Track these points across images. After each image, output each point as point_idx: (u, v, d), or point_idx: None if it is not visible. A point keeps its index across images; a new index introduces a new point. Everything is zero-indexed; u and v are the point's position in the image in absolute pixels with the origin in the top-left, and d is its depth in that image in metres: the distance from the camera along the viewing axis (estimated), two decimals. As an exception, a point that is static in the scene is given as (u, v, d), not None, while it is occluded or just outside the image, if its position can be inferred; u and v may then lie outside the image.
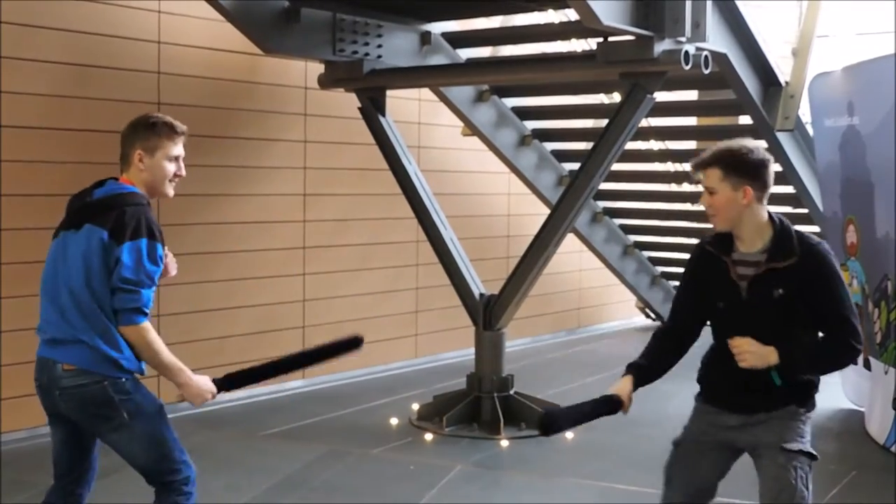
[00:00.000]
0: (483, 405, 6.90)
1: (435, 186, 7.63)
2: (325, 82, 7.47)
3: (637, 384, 3.54)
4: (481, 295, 7.08)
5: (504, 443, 6.53)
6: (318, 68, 7.49)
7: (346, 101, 7.64)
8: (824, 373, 3.50)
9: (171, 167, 3.63)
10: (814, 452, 3.40)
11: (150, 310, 3.48)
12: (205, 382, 3.64)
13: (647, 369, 3.59)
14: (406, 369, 8.82)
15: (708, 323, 3.60)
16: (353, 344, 3.87)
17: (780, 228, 3.38)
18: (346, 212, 8.39)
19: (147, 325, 3.46)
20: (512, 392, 6.99)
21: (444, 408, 6.94)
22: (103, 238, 3.38)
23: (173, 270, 3.77)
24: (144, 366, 3.59)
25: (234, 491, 5.43)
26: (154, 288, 3.48)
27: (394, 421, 6.99)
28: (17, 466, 5.91)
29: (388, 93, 7.48)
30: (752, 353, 3.30)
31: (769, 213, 3.41)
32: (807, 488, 3.32)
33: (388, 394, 7.82)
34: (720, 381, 3.51)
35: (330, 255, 8.30)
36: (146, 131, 3.62)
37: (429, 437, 6.64)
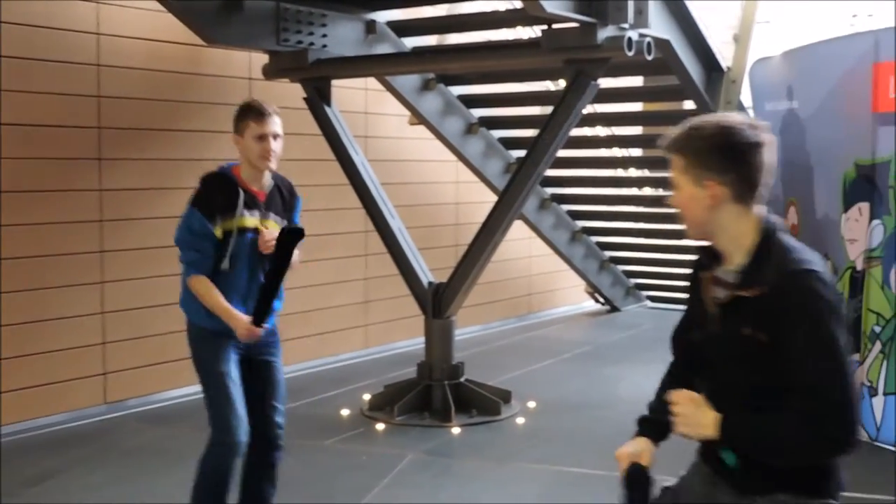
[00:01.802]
0: (434, 393, 6.92)
1: (382, 176, 7.62)
2: (270, 73, 7.42)
3: (656, 441, 2.73)
4: (430, 283, 7.09)
5: (455, 430, 6.56)
6: (262, 58, 7.44)
7: (292, 92, 7.59)
8: (789, 463, 2.38)
9: (257, 147, 4.17)
10: None
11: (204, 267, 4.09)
12: (247, 321, 4.10)
13: (659, 424, 2.69)
14: (357, 360, 8.81)
15: None
16: (295, 235, 4.16)
17: (759, 241, 2.41)
18: (293, 203, 8.34)
19: (196, 277, 4.09)
20: (462, 379, 7.02)
21: (395, 397, 6.95)
22: None
23: (264, 246, 4.18)
24: None
25: (187, 488, 5.38)
26: (200, 247, 4.08)
27: (345, 412, 6.99)
28: (19, 457, 5.92)
29: (334, 82, 7.44)
30: (687, 416, 2.43)
31: (762, 219, 2.45)
32: None
33: (339, 385, 7.81)
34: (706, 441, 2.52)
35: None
36: (235, 116, 4.26)
37: (380, 426, 6.65)
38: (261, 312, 4.13)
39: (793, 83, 6.79)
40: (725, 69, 7.73)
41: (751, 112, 7.93)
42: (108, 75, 6.93)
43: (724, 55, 7.74)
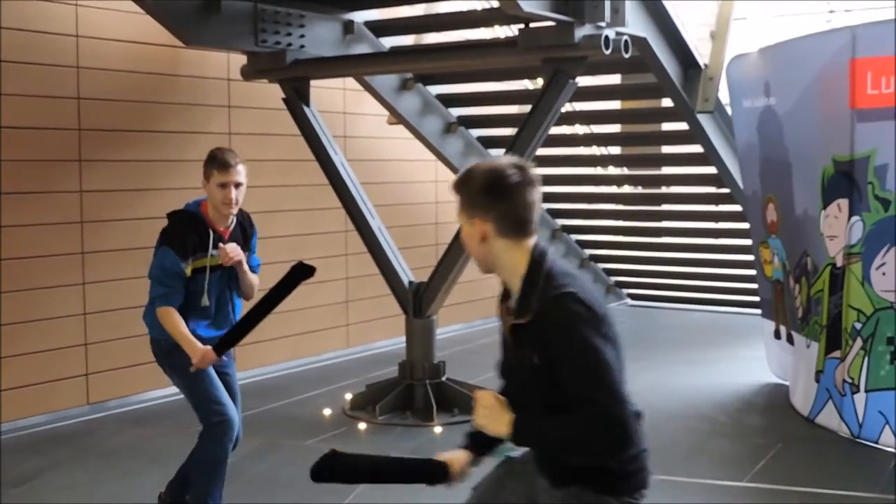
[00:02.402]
0: (415, 393, 6.93)
1: (362, 176, 7.62)
2: (248, 73, 7.41)
3: (478, 454, 2.99)
4: (410, 283, 7.10)
5: (437, 429, 6.57)
6: (240, 59, 7.43)
7: (270, 92, 7.59)
8: (571, 461, 2.68)
9: (219, 193, 4.39)
10: None
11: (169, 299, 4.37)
12: (207, 350, 4.34)
13: (482, 438, 2.88)
14: (338, 359, 8.81)
15: None
16: (304, 272, 4.48)
17: (528, 270, 2.65)
18: (273, 203, 8.33)
19: (164, 309, 4.37)
20: (444, 378, 7.03)
21: (377, 396, 6.96)
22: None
23: (226, 260, 4.46)
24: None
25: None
26: (171, 284, 4.37)
27: (327, 411, 6.99)
28: (16, 455, 5.94)
29: (313, 83, 7.44)
30: (488, 411, 2.69)
31: (532, 250, 2.68)
32: None
33: (321, 384, 7.81)
34: None
35: (258, 247, 8.22)
36: (204, 163, 4.45)
37: (362, 426, 6.65)
38: (230, 341, 4.42)
39: (770, 79, 6.83)
40: (703, 66, 7.77)
41: (728, 109, 7.99)
42: (87, 77, 6.91)
43: (702, 52, 7.78)
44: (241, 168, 4.42)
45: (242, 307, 4.69)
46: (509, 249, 2.67)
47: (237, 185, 4.41)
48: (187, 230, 4.40)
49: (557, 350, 2.52)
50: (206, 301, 4.47)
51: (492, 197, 2.64)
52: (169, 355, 4.46)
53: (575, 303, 2.53)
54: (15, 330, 6.57)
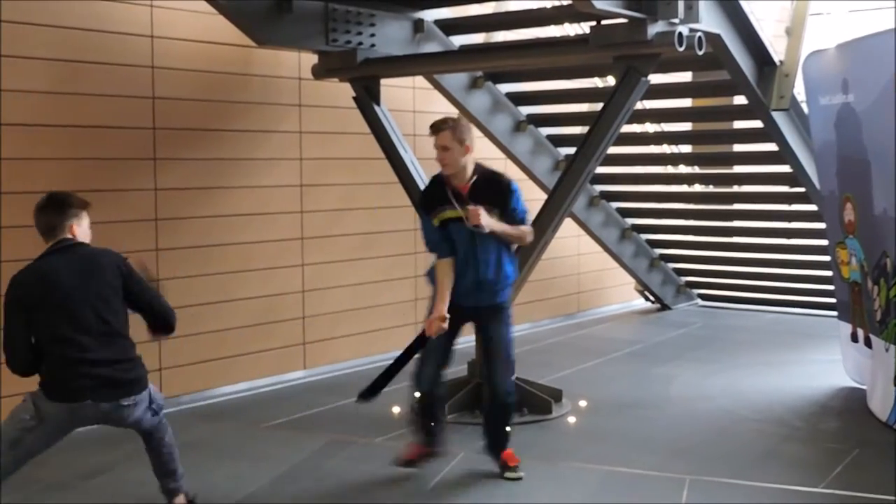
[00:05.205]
0: (484, 392, 6.89)
1: (431, 174, 7.61)
2: (319, 72, 7.46)
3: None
4: (480, 282, 7.08)
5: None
6: (311, 58, 7.48)
7: (341, 91, 7.63)
8: None
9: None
10: None
11: None
12: (433, 319, 5.28)
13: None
14: (407, 357, 8.82)
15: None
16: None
17: None
18: (342, 201, 8.39)
19: (437, 261, 5.43)
20: (513, 378, 6.98)
21: (447, 395, 6.93)
22: None
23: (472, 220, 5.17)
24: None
25: (238, 482, 5.45)
26: (429, 237, 5.45)
27: (396, 409, 7.00)
28: (73, 451, 5.94)
29: (383, 81, 7.46)
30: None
31: None
32: None
33: (390, 382, 7.81)
34: None
35: (328, 245, 8.30)
36: None
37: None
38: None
39: (848, 76, 6.69)
40: (778, 63, 7.63)
41: (805, 107, 7.83)
42: (162, 77, 7.02)
43: (777, 49, 7.64)
44: (446, 133, 5.20)
45: (515, 262, 5.48)
46: None
47: (444, 149, 5.21)
48: (426, 193, 5.47)
49: None
50: (457, 248, 5.26)
51: None
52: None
53: None
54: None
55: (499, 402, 5.57)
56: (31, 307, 4.23)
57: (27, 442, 4.29)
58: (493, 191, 5.29)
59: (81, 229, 4.48)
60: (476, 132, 9.05)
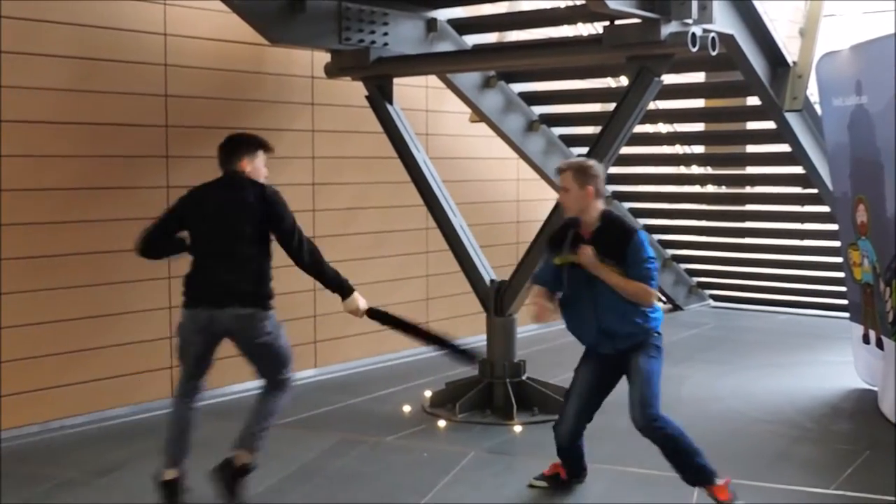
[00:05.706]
0: (495, 391, 6.92)
1: (443, 174, 7.63)
2: (332, 71, 7.47)
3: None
4: (492, 281, 7.08)
5: (517, 428, 6.54)
6: (324, 57, 7.49)
7: (354, 90, 7.64)
8: None
9: None
10: None
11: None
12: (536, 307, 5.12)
13: None
14: (417, 357, 8.81)
15: None
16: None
17: None
18: (355, 200, 8.40)
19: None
20: (524, 377, 7.00)
21: (457, 394, 6.96)
22: None
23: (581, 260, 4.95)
24: None
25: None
26: (540, 271, 5.31)
27: (406, 408, 7.01)
28: (87, 448, 6.07)
29: (395, 80, 7.47)
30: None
31: None
32: None
33: (400, 381, 7.84)
34: None
35: (340, 244, 8.30)
36: None
37: (442, 423, 6.66)
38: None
39: (862, 77, 6.66)
40: (791, 64, 7.60)
41: (818, 108, 7.81)
42: (175, 74, 7.04)
43: (790, 50, 7.62)
44: (565, 175, 4.95)
45: (654, 312, 5.04)
46: None
47: (564, 190, 4.97)
48: (557, 229, 5.20)
49: None
50: (566, 290, 5.04)
51: None
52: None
53: None
54: (101, 323, 6.72)
55: (649, 437, 5.08)
56: None
57: None
58: (614, 237, 4.90)
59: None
60: (488, 132, 9.10)
